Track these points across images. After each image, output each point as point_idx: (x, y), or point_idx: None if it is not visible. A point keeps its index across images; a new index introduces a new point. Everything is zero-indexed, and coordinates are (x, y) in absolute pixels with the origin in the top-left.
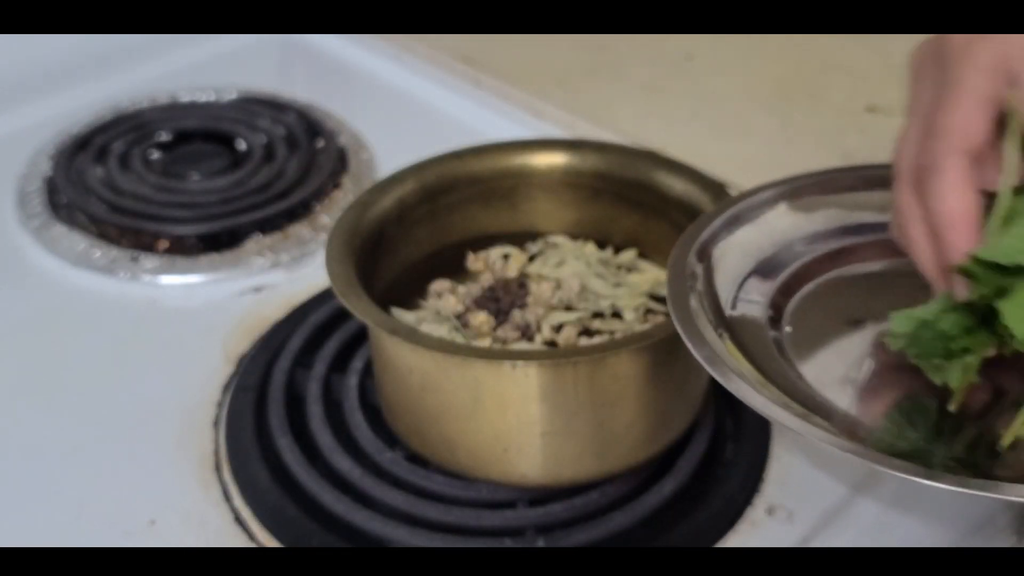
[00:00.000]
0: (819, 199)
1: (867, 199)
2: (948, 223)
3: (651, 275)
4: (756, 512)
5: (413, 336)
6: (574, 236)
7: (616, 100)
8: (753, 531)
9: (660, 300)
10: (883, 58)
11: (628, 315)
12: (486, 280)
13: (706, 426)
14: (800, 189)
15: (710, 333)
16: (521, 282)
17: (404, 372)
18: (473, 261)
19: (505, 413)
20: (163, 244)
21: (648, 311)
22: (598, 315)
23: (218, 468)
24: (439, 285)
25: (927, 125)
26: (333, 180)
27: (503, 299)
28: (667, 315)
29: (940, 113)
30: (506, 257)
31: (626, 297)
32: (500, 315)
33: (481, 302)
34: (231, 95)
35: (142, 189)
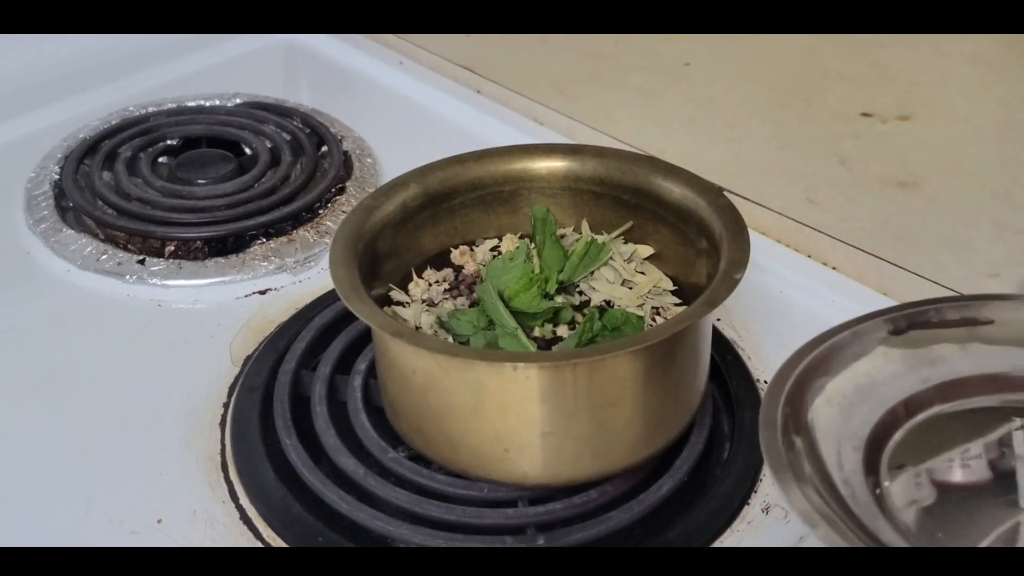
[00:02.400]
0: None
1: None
2: None
3: (654, 276)
4: (752, 511)
5: (416, 338)
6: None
7: (615, 106)
8: (749, 530)
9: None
10: (877, 65)
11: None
12: (470, 270)
13: (703, 426)
14: (892, 333)
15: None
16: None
17: (407, 373)
18: (458, 256)
19: (506, 414)
20: (170, 248)
21: (656, 308)
22: (581, 306)
23: (224, 467)
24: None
25: None
26: (337, 185)
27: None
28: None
29: None
30: (495, 250)
31: (625, 298)
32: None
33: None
34: (237, 101)
35: (149, 194)
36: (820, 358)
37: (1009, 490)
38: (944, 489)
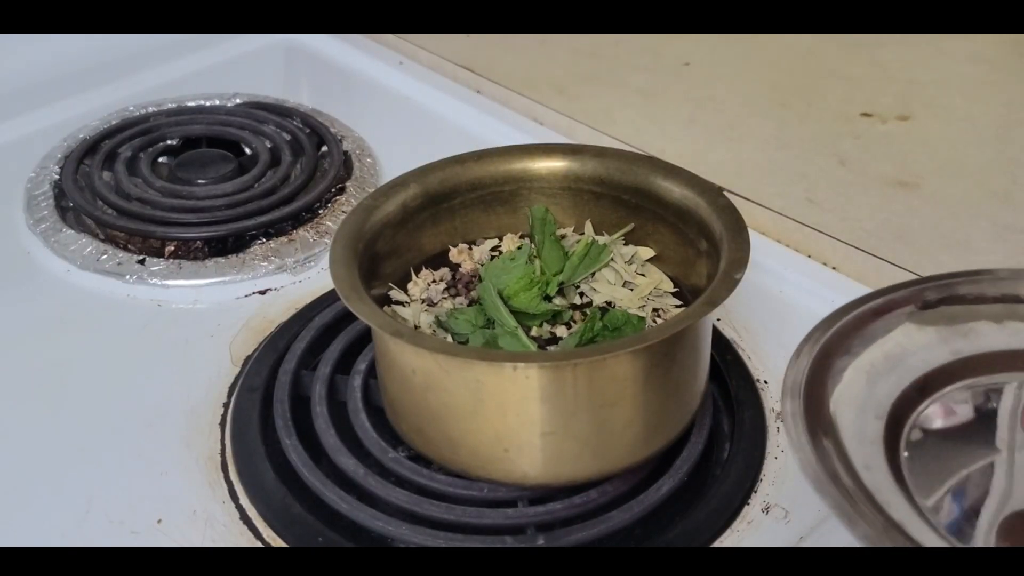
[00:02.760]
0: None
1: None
2: None
3: (655, 277)
4: (752, 511)
5: (416, 338)
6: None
7: (615, 106)
8: (749, 530)
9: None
10: (877, 65)
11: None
12: (467, 269)
13: (703, 426)
14: (918, 311)
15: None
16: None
17: (407, 373)
18: (456, 254)
19: (506, 414)
20: (170, 248)
21: (655, 310)
22: (582, 307)
23: (224, 468)
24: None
25: None
26: (337, 185)
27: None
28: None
29: None
30: (495, 250)
31: (626, 299)
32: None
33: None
34: (237, 101)
35: (149, 194)
36: (851, 324)
37: (989, 431)
38: (928, 433)
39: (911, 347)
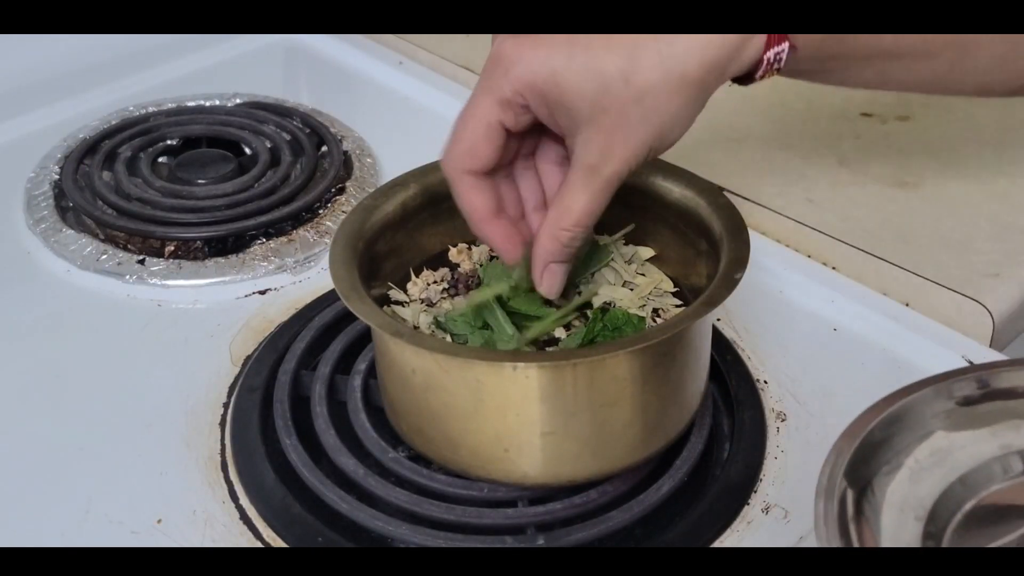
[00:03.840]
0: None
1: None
2: (474, 224)
3: (656, 277)
4: (752, 511)
5: (416, 338)
6: None
7: None
8: (749, 530)
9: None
10: None
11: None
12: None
13: (703, 426)
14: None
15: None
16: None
17: (407, 373)
18: (455, 254)
19: (506, 414)
20: (170, 248)
21: (655, 310)
22: (582, 308)
23: (224, 468)
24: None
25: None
26: (337, 185)
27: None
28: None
29: (457, 128)
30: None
31: (626, 299)
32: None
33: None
34: (237, 101)
35: (149, 194)
36: (891, 418)
37: None
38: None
39: (959, 440)
